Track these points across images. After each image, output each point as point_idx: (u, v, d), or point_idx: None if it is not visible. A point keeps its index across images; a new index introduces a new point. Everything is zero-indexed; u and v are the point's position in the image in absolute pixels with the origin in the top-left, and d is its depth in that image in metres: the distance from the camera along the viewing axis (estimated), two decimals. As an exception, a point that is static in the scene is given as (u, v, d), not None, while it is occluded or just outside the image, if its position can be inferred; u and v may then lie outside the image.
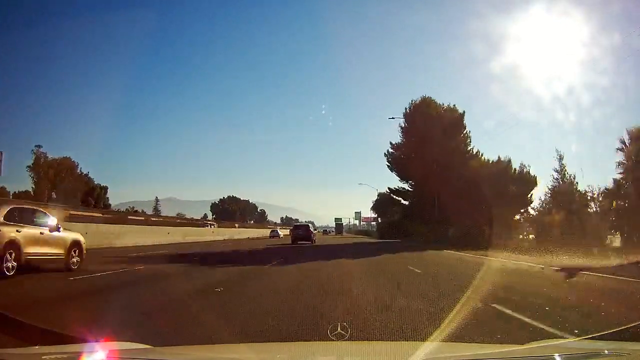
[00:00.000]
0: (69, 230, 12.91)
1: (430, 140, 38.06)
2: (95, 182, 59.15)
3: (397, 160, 44.45)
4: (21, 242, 10.27)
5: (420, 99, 42.53)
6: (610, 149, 24.55)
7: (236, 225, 78.60)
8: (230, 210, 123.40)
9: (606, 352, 2.52)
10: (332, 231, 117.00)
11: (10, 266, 9.92)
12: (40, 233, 11.08)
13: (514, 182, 32.76)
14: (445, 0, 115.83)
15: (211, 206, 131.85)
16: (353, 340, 4.29)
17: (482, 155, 39.24)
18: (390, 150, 45.47)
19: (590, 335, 4.14)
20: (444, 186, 36.22)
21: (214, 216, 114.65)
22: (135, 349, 2.62)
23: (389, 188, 48.88)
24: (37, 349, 2.70)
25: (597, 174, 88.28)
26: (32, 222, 11.08)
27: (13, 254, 10.02)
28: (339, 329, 4.45)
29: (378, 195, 72.66)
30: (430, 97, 42.64)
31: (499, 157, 36.19)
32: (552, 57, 58.12)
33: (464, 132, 41.02)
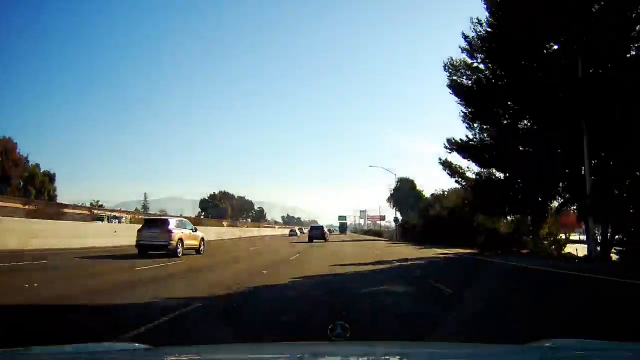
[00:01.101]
0: (199, 230, 21.54)
1: (570, 24, 17.51)
2: (41, 169, 49.07)
3: (476, 76, 21.82)
4: (183, 238, 18.56)
5: None
6: None
7: (224, 223, 73.55)
8: (222, 207, 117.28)
9: (606, 352, 2.54)
10: (336, 230, 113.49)
11: (180, 251, 18.07)
12: (189, 232, 19.42)
13: None
14: None
15: (200, 202, 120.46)
16: (353, 340, 4.27)
17: None
18: (465, 44, 21.72)
19: (590, 335, 4.16)
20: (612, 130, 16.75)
21: (203, 214, 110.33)
22: (135, 349, 2.59)
23: (448, 141, 23.37)
24: (36, 349, 2.66)
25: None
26: (184, 226, 19.39)
27: (180, 245, 18.17)
28: (338, 328, 4.43)
29: (398, 181, 55.63)
30: None
31: None
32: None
33: None
